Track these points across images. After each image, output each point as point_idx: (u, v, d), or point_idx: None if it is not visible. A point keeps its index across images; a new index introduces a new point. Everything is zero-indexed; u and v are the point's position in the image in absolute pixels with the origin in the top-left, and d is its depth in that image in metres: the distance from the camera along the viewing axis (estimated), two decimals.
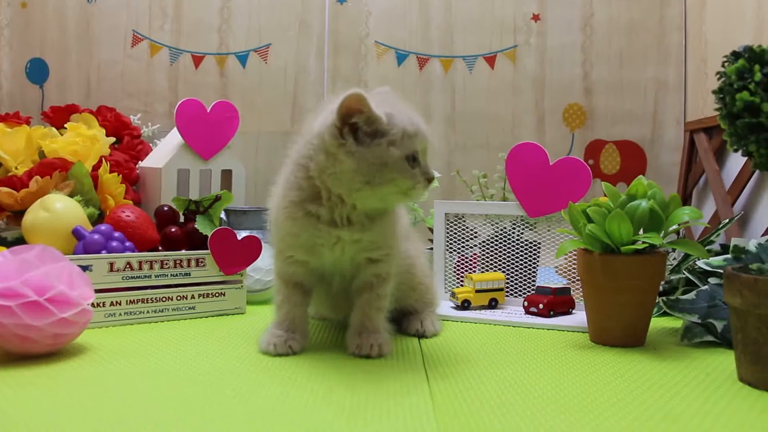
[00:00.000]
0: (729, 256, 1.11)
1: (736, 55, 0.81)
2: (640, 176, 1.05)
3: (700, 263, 1.12)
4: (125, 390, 0.77)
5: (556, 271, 1.35)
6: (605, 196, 1.07)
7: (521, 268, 1.30)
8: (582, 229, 1.01)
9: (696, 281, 1.14)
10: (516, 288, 1.30)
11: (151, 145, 1.62)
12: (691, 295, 1.06)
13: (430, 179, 0.89)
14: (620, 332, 1.02)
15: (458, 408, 0.72)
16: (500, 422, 0.68)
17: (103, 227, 1.15)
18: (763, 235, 1.37)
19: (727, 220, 1.23)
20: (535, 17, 1.80)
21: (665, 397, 0.77)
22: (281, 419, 0.67)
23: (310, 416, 0.68)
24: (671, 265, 1.24)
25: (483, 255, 1.33)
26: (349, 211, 0.90)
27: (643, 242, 0.97)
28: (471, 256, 1.35)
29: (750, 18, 1.46)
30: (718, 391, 0.80)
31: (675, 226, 1.02)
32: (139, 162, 1.52)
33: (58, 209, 1.16)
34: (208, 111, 1.44)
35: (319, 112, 0.91)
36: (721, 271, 1.09)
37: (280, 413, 0.69)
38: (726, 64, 0.82)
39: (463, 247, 1.33)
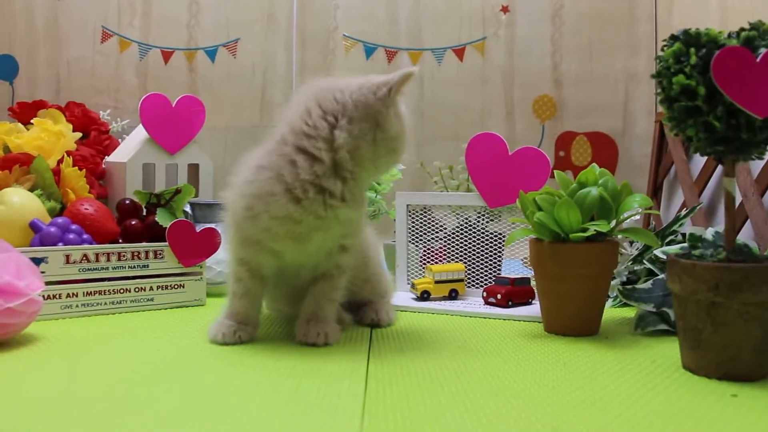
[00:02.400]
0: (686, 244, 1.11)
1: (673, 39, 0.81)
2: (593, 164, 1.05)
3: (658, 252, 1.12)
4: (75, 377, 0.77)
5: (523, 263, 1.35)
6: None
7: (486, 260, 1.29)
8: (530, 217, 1.01)
9: (656, 270, 1.14)
10: (480, 279, 1.30)
11: (119, 140, 1.62)
12: (648, 284, 1.06)
13: None
14: (572, 321, 1.01)
15: (389, 391, 0.72)
16: (427, 404, 0.68)
17: (60, 220, 1.15)
18: None
19: (687, 210, 1.23)
20: (504, 9, 1.79)
21: (605, 382, 0.77)
22: (214, 403, 0.68)
23: (242, 399, 0.68)
24: (633, 254, 1.23)
25: (448, 247, 1.32)
26: (352, 186, 0.91)
27: (593, 230, 0.97)
28: (437, 248, 1.35)
29: (714, 8, 1.45)
30: (660, 377, 0.80)
31: (630, 213, 1.02)
32: (106, 157, 1.52)
33: (15, 203, 1.16)
34: (173, 105, 1.44)
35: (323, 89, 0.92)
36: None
37: (214, 398, 0.69)
38: (664, 47, 0.81)
39: (428, 239, 1.33)
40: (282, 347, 0.93)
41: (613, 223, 1.00)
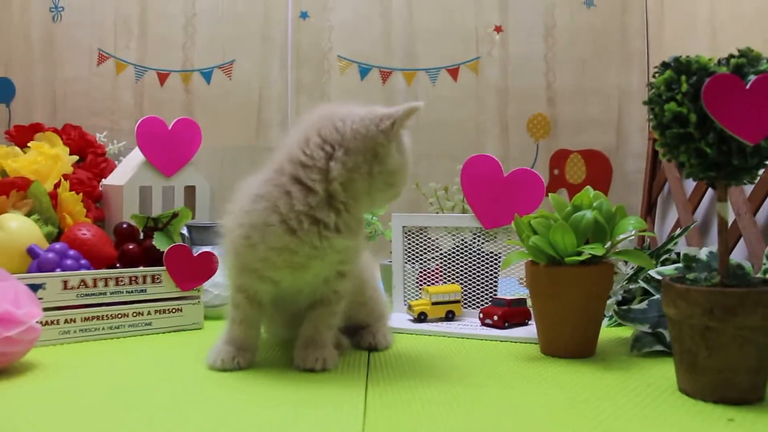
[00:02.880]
0: (680, 265, 1.11)
1: (664, 66, 0.82)
2: (587, 186, 1.06)
3: (652, 272, 1.13)
4: (72, 403, 0.78)
5: (519, 282, 1.35)
6: None
7: (482, 280, 1.30)
8: (525, 240, 1.02)
9: (651, 290, 1.14)
10: (476, 300, 1.30)
11: (116, 162, 1.62)
12: (643, 305, 1.07)
13: None
14: (569, 343, 1.02)
15: (388, 417, 0.73)
16: (426, 429, 0.68)
17: (57, 246, 1.15)
18: None
19: (680, 230, 1.24)
20: (498, 28, 1.81)
21: (602, 406, 0.77)
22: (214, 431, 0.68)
23: (241, 427, 0.69)
24: (628, 274, 1.24)
25: (444, 267, 1.33)
26: (346, 218, 0.91)
27: (588, 253, 0.97)
28: (433, 269, 1.36)
29: (703, 25, 1.47)
30: (656, 400, 0.80)
31: (624, 236, 1.03)
32: (103, 180, 1.53)
33: (13, 228, 1.16)
34: (170, 128, 1.44)
35: (315, 122, 0.91)
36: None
37: (214, 425, 0.70)
38: (656, 74, 0.83)
39: (424, 259, 1.34)
40: (280, 373, 0.93)
41: (608, 245, 1.01)
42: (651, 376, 0.91)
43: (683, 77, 0.79)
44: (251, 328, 0.97)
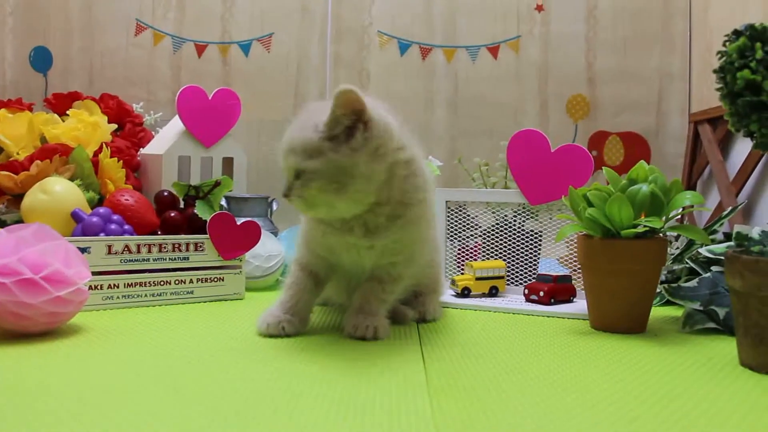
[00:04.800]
0: (732, 243, 1.10)
1: (737, 34, 0.80)
2: (641, 161, 1.04)
3: (703, 251, 1.11)
4: (119, 368, 0.76)
5: (559, 262, 1.34)
6: (608, 184, 1.06)
7: (522, 258, 1.29)
8: (582, 213, 1.00)
9: (698, 270, 1.13)
10: (517, 277, 1.29)
11: (153, 132, 1.62)
12: (693, 283, 1.05)
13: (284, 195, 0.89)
14: (621, 318, 1.01)
15: (452, 385, 0.71)
16: (494, 399, 0.67)
17: (101, 210, 1.14)
18: None
19: (729, 209, 1.22)
20: (539, 7, 1.79)
21: (665, 379, 0.76)
22: (276, 394, 0.67)
23: (304, 391, 0.68)
24: (673, 254, 1.23)
25: (484, 244, 1.32)
26: (369, 219, 0.91)
27: (644, 226, 0.96)
28: (472, 246, 1.34)
29: (755, 6, 1.44)
30: (720, 374, 0.79)
31: (676, 212, 1.01)
32: (141, 149, 1.52)
33: (58, 192, 1.15)
34: (210, 98, 1.43)
35: None
36: (724, 258, 1.08)
37: (274, 389, 0.69)
38: (727, 42, 0.81)
39: (464, 236, 1.32)
40: (332, 341, 0.92)
41: (663, 219, 1.00)
42: (709, 351, 0.90)
43: (758, 44, 0.77)
44: (301, 292, 0.96)
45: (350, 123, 0.84)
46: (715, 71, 0.82)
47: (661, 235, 1.02)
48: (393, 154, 0.87)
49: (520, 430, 0.59)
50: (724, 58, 0.81)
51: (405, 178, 0.90)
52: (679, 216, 1.04)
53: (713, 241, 1.23)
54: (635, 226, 0.96)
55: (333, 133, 0.84)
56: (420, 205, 0.93)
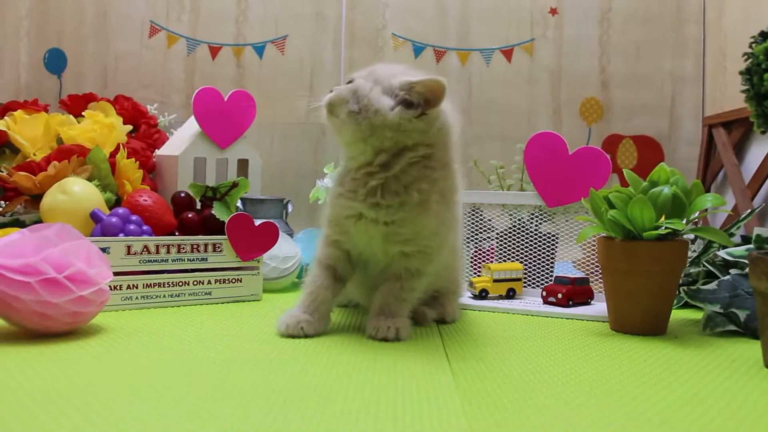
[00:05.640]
0: (751, 246, 1.10)
1: (763, 35, 0.80)
2: (662, 163, 1.04)
3: (722, 253, 1.11)
4: (141, 368, 0.76)
5: (574, 265, 1.34)
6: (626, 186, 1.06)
7: (538, 261, 1.29)
8: (603, 215, 1.00)
9: (716, 272, 1.13)
10: (533, 280, 1.29)
11: (167, 134, 1.62)
12: (713, 285, 1.05)
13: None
14: (641, 319, 1.01)
15: (481, 387, 0.71)
16: (525, 399, 0.67)
17: (120, 210, 1.14)
18: None
19: (748, 211, 1.22)
20: (553, 11, 1.79)
21: (690, 381, 0.76)
22: (303, 395, 0.67)
23: (332, 393, 0.68)
24: (690, 257, 1.22)
25: (500, 247, 1.32)
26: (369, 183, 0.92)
27: (666, 228, 0.96)
28: (488, 248, 1.34)
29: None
30: (744, 376, 0.78)
31: (696, 215, 1.01)
32: (156, 150, 1.52)
33: (76, 192, 1.15)
34: (225, 100, 1.43)
35: None
36: (743, 261, 1.08)
37: (300, 390, 0.68)
38: (754, 44, 0.81)
39: (479, 238, 1.32)
40: (355, 341, 0.92)
41: (685, 221, 1.00)
42: (732, 353, 0.90)
43: None
44: (319, 289, 0.96)
45: (417, 102, 0.88)
46: (741, 72, 0.82)
47: (681, 237, 1.02)
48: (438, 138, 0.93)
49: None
50: (750, 60, 0.81)
51: (435, 171, 0.93)
52: (696, 219, 1.04)
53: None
54: (657, 228, 0.96)
55: (403, 94, 0.89)
56: (441, 202, 0.94)
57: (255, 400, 0.64)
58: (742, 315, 1.00)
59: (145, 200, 1.20)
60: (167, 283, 1.14)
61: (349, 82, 0.94)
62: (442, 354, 0.86)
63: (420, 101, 0.88)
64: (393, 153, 0.91)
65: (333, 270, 0.98)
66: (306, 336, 0.93)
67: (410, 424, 0.59)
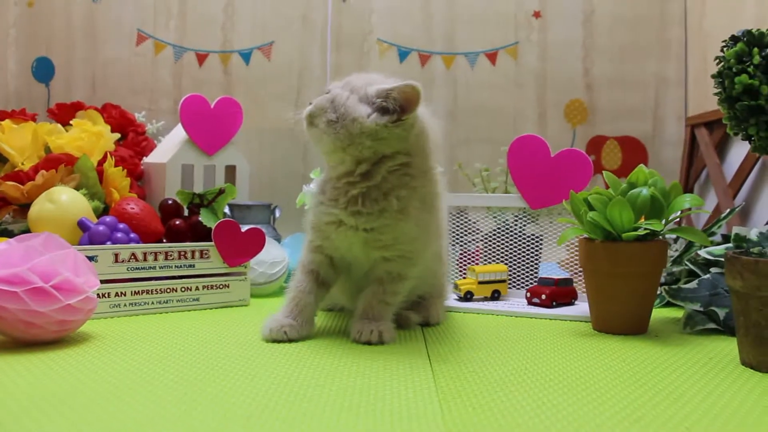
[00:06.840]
0: (730, 245, 1.11)
1: (734, 39, 0.82)
2: (641, 165, 1.06)
3: (702, 252, 1.13)
4: (128, 375, 0.77)
5: (559, 266, 1.35)
6: (607, 188, 1.07)
7: (523, 262, 1.30)
8: (583, 216, 1.02)
9: (698, 271, 1.14)
10: (518, 281, 1.30)
11: (155, 141, 1.63)
12: (693, 284, 1.07)
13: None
14: (622, 320, 1.02)
15: (461, 388, 0.72)
16: (503, 400, 0.68)
17: (107, 219, 1.15)
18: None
19: (728, 211, 1.24)
20: (536, 14, 1.81)
21: (667, 379, 0.77)
22: (285, 399, 0.68)
23: (314, 396, 0.69)
24: (672, 256, 1.24)
25: (485, 249, 1.33)
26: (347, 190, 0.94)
27: (645, 229, 0.97)
28: (474, 250, 1.36)
29: (750, 12, 1.46)
30: (721, 373, 0.80)
31: (676, 214, 1.03)
32: (144, 158, 1.53)
33: (64, 201, 1.17)
34: (212, 106, 1.45)
35: None
36: (722, 260, 1.09)
37: (283, 394, 0.70)
38: (725, 48, 0.82)
39: (465, 241, 1.34)
40: (339, 344, 0.93)
41: (664, 222, 1.01)
42: (710, 351, 0.91)
43: (755, 50, 0.79)
44: (302, 294, 0.98)
45: (393, 109, 0.89)
46: (713, 76, 0.84)
47: (661, 237, 1.04)
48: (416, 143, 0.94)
49: None
50: (722, 63, 0.83)
51: (415, 179, 0.95)
52: (678, 219, 1.06)
53: (711, 243, 1.25)
54: (636, 229, 0.98)
55: (380, 102, 0.90)
56: (421, 209, 0.96)
57: (238, 405, 0.65)
58: (721, 313, 1.02)
59: (132, 208, 1.21)
60: (155, 290, 1.15)
61: (327, 93, 0.95)
62: (425, 356, 0.87)
63: (396, 107, 0.89)
64: (373, 162, 0.92)
65: (316, 275, 0.99)
66: (290, 340, 0.94)
67: (389, 424, 0.60)
